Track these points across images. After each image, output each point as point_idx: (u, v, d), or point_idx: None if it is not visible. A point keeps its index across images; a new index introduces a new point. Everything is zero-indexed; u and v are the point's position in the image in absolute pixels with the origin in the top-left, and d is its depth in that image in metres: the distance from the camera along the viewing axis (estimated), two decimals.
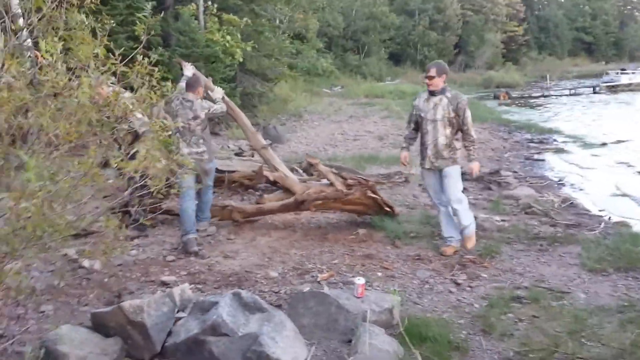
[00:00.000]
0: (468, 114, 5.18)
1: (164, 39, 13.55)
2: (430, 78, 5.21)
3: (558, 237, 5.77)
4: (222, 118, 11.20)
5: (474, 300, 4.33)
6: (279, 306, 4.08)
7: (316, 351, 3.44)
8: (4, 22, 2.81)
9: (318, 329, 3.66)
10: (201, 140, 5.62)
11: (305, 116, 18.77)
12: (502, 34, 56.58)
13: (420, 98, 5.40)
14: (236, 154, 9.15)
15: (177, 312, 3.56)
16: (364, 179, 6.11)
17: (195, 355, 3.21)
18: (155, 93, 2.98)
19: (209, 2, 14.65)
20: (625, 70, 37.44)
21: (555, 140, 14.15)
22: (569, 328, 3.76)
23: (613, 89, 32.40)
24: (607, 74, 37.66)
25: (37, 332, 3.68)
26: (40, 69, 2.60)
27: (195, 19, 14.32)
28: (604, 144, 13.39)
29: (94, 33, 2.78)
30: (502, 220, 6.42)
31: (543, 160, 11.26)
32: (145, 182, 2.92)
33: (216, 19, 14.40)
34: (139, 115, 4.24)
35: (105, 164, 3.11)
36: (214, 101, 5.88)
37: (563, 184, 8.98)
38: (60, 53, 2.56)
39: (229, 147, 11.89)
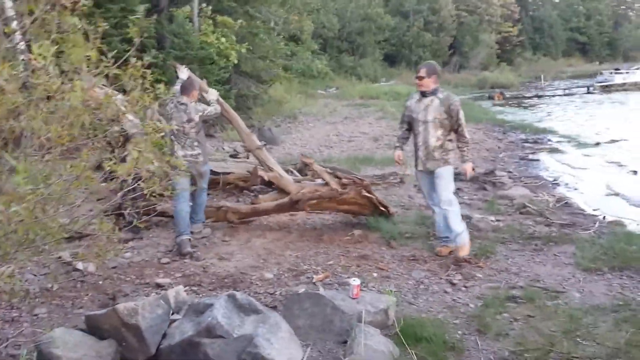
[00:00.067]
0: (461, 115, 5.17)
1: (158, 41, 13.52)
2: (420, 79, 5.18)
3: (553, 237, 5.79)
4: (217, 120, 11.19)
5: (469, 300, 4.34)
6: (274, 307, 4.07)
7: (311, 352, 3.44)
8: None
9: (313, 330, 3.66)
10: (196, 143, 5.63)
11: (300, 118, 18.77)
12: (497, 35, 56.71)
13: (412, 99, 5.38)
14: (231, 156, 9.13)
15: (172, 314, 3.55)
16: (359, 179, 6.12)
17: (190, 357, 3.20)
18: (148, 96, 2.97)
19: (203, 5, 14.65)
20: (619, 70, 37.52)
21: (549, 140, 14.20)
22: (564, 327, 3.78)
23: (607, 88, 32.50)
24: (601, 74, 37.73)
25: (31, 335, 3.67)
26: (32, 72, 2.59)
27: (190, 21, 14.30)
28: (597, 144, 13.44)
29: (87, 36, 2.77)
30: (497, 220, 6.44)
31: (537, 160, 11.29)
32: (138, 184, 2.91)
33: (210, 21, 14.39)
34: (131, 117, 4.24)
35: (98, 167, 3.10)
36: (208, 103, 5.88)
37: (557, 184, 9.01)
38: (53, 56, 2.55)
39: (223, 149, 11.87)
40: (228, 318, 3.28)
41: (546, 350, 3.48)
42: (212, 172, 6.45)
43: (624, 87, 32.52)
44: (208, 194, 6.32)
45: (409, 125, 5.41)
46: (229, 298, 3.46)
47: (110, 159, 2.89)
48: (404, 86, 31.01)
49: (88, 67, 2.71)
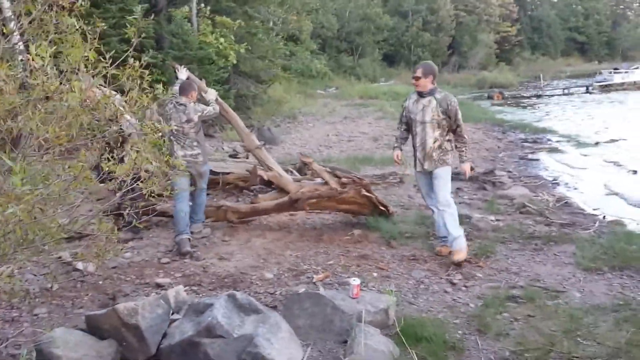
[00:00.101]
0: (459, 115, 5.15)
1: (157, 41, 13.51)
2: (417, 79, 5.15)
3: (553, 236, 5.78)
4: (216, 120, 11.19)
5: (469, 300, 4.33)
6: (274, 307, 4.07)
7: (312, 352, 3.44)
8: None
9: (313, 330, 3.65)
10: (195, 143, 5.64)
11: (299, 117, 18.76)
12: (495, 35, 56.74)
13: (410, 99, 5.34)
14: (230, 156, 9.13)
15: (172, 314, 3.55)
16: (358, 178, 6.11)
17: (190, 357, 3.20)
18: (147, 96, 2.97)
19: (202, 5, 14.64)
20: (618, 69, 37.51)
21: (549, 139, 14.19)
22: (565, 327, 3.77)
23: (606, 88, 32.48)
24: (600, 73, 37.72)
25: (31, 335, 3.67)
26: (31, 72, 2.59)
27: (188, 22, 14.30)
28: (597, 144, 13.44)
29: (85, 36, 2.77)
30: (497, 220, 6.43)
31: (537, 159, 11.29)
32: (137, 184, 2.91)
33: (209, 22, 14.38)
34: (128, 117, 4.23)
35: (97, 167, 3.10)
36: (207, 103, 5.89)
37: (557, 184, 9.00)
38: (51, 57, 2.54)
39: (223, 149, 11.86)
40: (228, 318, 3.27)
41: (546, 350, 3.48)
42: (212, 172, 6.45)
43: (623, 87, 32.52)
44: (208, 194, 6.33)
45: (408, 126, 5.39)
46: (229, 298, 3.46)
47: (109, 160, 2.89)
48: (403, 86, 30.99)
49: (86, 67, 2.70)
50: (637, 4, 80.00)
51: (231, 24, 14.50)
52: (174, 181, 4.41)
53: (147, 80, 3.00)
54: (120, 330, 3.26)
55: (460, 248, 5.08)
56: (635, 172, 10.03)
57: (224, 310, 3.31)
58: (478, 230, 5.98)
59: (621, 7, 79.41)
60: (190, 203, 5.74)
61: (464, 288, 4.58)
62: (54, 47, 2.66)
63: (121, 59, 2.97)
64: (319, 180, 6.17)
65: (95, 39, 2.77)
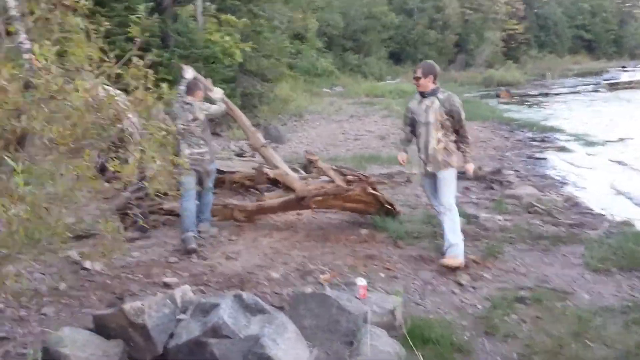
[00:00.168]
0: (463, 115, 5.08)
1: (162, 40, 13.53)
2: (417, 79, 5.08)
3: (561, 237, 5.73)
4: (223, 119, 11.18)
5: (477, 301, 4.30)
6: (281, 307, 4.05)
7: (318, 353, 3.41)
8: None
9: (319, 330, 3.63)
10: (202, 142, 5.66)
11: (305, 116, 18.74)
12: (502, 32, 56.36)
13: (413, 100, 5.29)
14: (237, 155, 9.13)
15: (179, 314, 3.54)
16: (364, 175, 6.08)
17: (196, 357, 3.19)
18: (151, 95, 2.95)
19: (207, 3, 14.64)
20: (625, 67, 37.31)
21: (556, 138, 14.06)
22: (573, 329, 3.74)
23: (614, 86, 32.21)
24: (607, 71, 37.54)
25: (39, 334, 3.68)
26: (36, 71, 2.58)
27: (194, 20, 14.29)
28: (605, 143, 13.32)
29: (89, 35, 2.75)
30: (505, 220, 6.38)
31: (545, 159, 11.18)
32: (143, 183, 2.90)
33: (215, 20, 14.38)
34: (131, 117, 4.22)
35: (102, 168, 3.09)
36: (213, 102, 5.90)
37: (565, 183, 8.92)
38: (56, 56, 2.53)
39: (230, 147, 11.87)
40: (234, 318, 3.26)
41: (555, 353, 3.45)
42: (218, 171, 6.45)
43: (630, 85, 32.25)
44: (214, 193, 6.32)
45: (413, 127, 5.33)
46: (235, 298, 3.45)
47: (114, 159, 2.87)
48: (409, 84, 30.81)
49: (90, 66, 2.69)
50: None
51: (236, 22, 14.49)
52: (181, 180, 4.41)
53: (152, 79, 2.99)
54: (127, 329, 3.26)
55: (456, 255, 4.89)
56: None
57: (230, 311, 3.30)
58: (485, 230, 5.94)
59: (628, 5, 78.84)
60: (197, 202, 5.75)
61: (471, 289, 4.55)
62: (59, 47, 2.65)
63: (126, 57, 2.96)
64: (325, 178, 6.15)
65: (99, 38, 2.76)
